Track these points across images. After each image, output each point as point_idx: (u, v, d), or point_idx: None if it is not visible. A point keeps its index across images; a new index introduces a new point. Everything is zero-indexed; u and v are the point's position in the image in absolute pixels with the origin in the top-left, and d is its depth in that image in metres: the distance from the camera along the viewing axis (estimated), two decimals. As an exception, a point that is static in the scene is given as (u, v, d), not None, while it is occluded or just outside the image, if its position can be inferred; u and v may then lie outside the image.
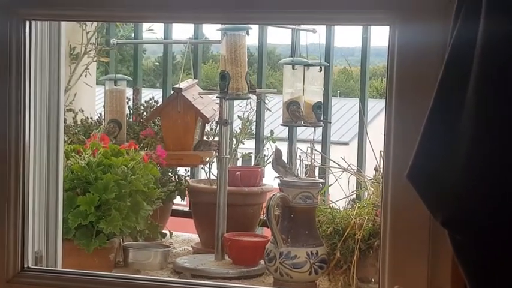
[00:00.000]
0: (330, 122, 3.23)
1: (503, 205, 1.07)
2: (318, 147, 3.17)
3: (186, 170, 3.28)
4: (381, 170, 2.55)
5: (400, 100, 1.74)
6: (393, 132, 1.76)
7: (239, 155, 3.33)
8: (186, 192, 3.13)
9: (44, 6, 1.92)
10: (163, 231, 3.02)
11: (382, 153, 1.92)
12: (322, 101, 2.94)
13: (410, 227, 1.75)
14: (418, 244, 1.74)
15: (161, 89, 3.54)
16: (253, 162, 3.34)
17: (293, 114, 2.87)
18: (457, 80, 1.13)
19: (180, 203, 3.32)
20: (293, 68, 2.91)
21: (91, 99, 3.55)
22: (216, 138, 3.03)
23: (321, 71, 2.95)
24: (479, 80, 1.09)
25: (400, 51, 1.73)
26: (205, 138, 3.05)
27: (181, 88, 2.94)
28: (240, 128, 3.27)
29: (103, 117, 3.13)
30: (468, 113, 1.10)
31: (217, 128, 3.03)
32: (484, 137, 1.07)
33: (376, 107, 7.42)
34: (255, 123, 3.30)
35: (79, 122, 3.20)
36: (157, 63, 7.63)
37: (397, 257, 1.77)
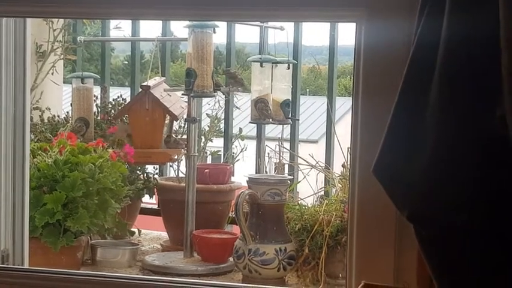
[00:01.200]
0: (298, 120, 3.24)
1: (467, 201, 1.08)
2: (287, 145, 3.18)
3: (154, 167, 3.27)
4: (349, 166, 2.56)
5: (366, 97, 1.75)
6: (360, 128, 1.77)
7: (208, 152, 3.33)
8: (155, 190, 3.12)
9: (9, 2, 1.90)
10: (132, 229, 3.02)
11: (350, 150, 1.93)
12: (290, 99, 2.94)
13: (377, 222, 1.77)
14: (384, 239, 1.75)
15: (129, 88, 3.53)
16: (222, 160, 3.34)
17: (261, 111, 2.88)
18: (421, 77, 1.14)
19: (148, 201, 3.31)
20: (261, 66, 2.91)
21: (58, 98, 3.53)
22: (185, 136, 3.03)
23: (289, 68, 2.95)
24: (442, 77, 1.10)
25: (367, 48, 1.74)
26: (173, 135, 3.04)
27: (149, 86, 2.94)
28: (208, 126, 3.27)
29: (70, 116, 3.12)
30: (432, 111, 1.11)
31: (186, 126, 3.03)
32: (447, 135, 1.08)
33: (345, 105, 7.44)
34: (223, 121, 3.30)
35: (46, 120, 3.18)
36: (126, 62, 7.59)
37: (364, 253, 1.78)
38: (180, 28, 3.43)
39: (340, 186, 2.74)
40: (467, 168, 1.06)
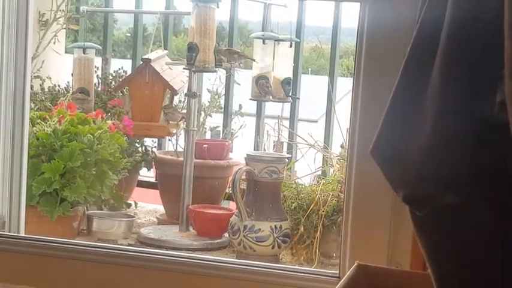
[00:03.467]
0: (299, 98, 3.23)
1: (464, 184, 1.08)
2: (287, 123, 3.17)
3: (153, 141, 3.27)
4: (347, 147, 2.56)
5: (367, 78, 1.75)
6: (359, 109, 1.78)
7: (207, 128, 3.32)
8: (153, 163, 3.12)
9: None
10: (128, 201, 3.02)
11: (349, 131, 1.93)
12: (291, 77, 2.94)
13: (372, 204, 1.77)
14: (379, 221, 1.76)
15: (131, 60, 3.52)
16: (221, 136, 3.34)
17: (262, 88, 2.87)
18: (424, 58, 1.13)
19: (146, 174, 3.32)
20: (263, 43, 2.90)
21: (59, 67, 3.52)
22: (184, 111, 3.03)
23: (291, 46, 2.94)
24: (444, 58, 1.09)
25: (370, 29, 1.74)
26: (173, 107, 3.03)
27: (150, 59, 2.93)
28: (208, 101, 3.27)
29: (71, 86, 3.11)
30: (432, 94, 1.10)
31: (186, 100, 3.02)
32: (446, 118, 1.08)
33: (346, 86, 7.42)
34: (223, 97, 3.29)
35: (46, 90, 3.18)
36: (129, 34, 7.55)
37: (358, 233, 1.79)
38: (183, 2, 3.42)
39: (338, 166, 2.74)
40: (464, 152, 1.06)
